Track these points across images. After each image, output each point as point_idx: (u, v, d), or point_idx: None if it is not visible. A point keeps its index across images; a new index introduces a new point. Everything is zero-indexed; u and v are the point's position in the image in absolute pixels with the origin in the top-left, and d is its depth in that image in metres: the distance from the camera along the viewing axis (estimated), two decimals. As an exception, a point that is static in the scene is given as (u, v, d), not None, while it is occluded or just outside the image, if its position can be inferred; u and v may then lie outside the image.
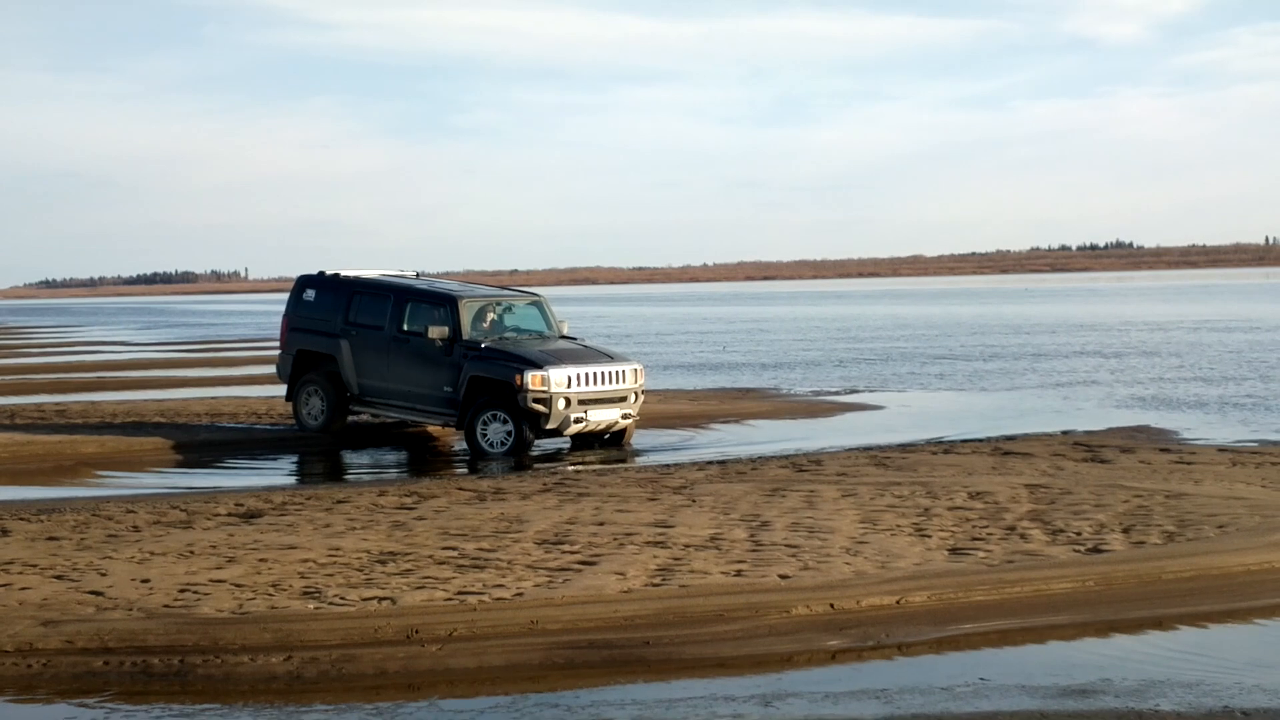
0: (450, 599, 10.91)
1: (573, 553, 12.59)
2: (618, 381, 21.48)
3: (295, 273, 24.98)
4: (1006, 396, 29.36)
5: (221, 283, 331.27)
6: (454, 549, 12.89)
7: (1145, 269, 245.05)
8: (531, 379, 20.75)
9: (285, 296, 24.51)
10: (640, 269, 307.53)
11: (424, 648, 9.86)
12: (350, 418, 23.50)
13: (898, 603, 10.90)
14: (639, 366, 22.02)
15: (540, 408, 20.79)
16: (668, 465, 19.25)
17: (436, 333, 21.62)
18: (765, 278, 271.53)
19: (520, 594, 11.04)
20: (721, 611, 10.59)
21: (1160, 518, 13.66)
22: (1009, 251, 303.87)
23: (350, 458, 22.15)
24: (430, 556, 12.56)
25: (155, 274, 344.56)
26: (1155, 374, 33.79)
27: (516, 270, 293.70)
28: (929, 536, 13.03)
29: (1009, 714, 8.20)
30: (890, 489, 15.86)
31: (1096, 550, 12.35)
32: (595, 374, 21.24)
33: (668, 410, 26.14)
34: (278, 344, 24.34)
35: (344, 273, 23.64)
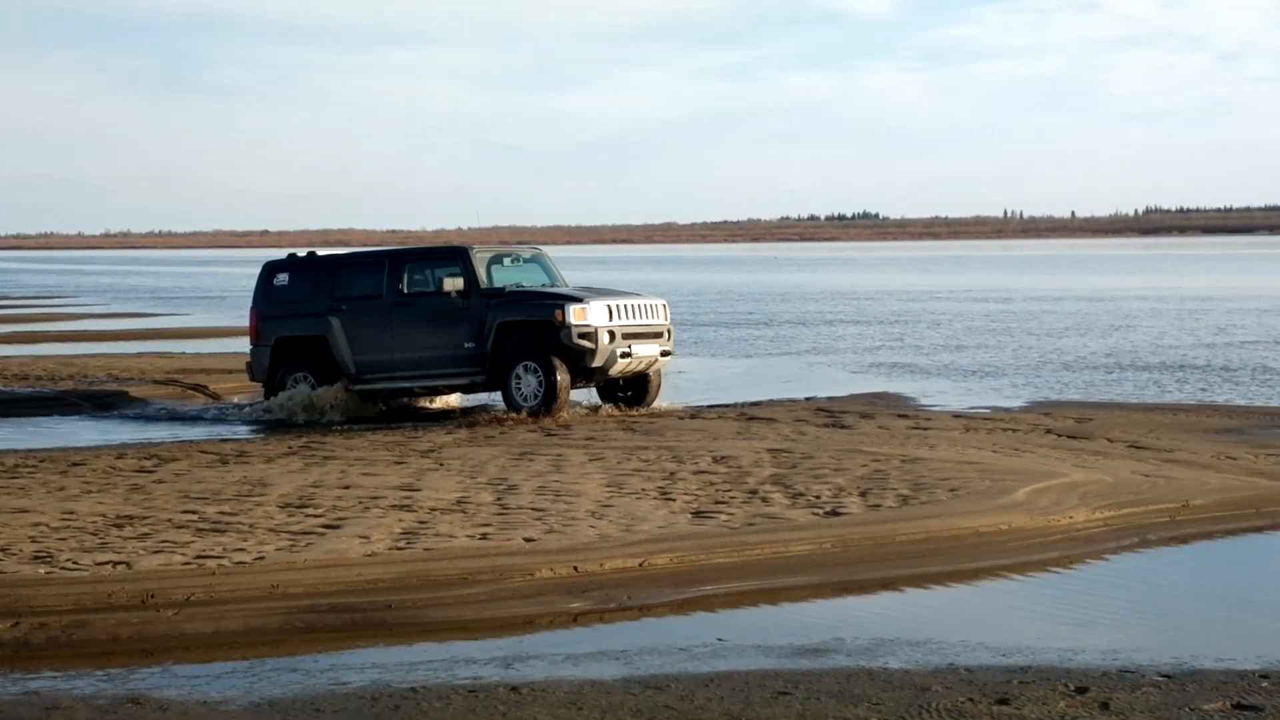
0: (188, 563, 10.71)
1: (316, 516, 12.45)
2: (653, 316, 20.46)
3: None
4: (755, 362, 29.85)
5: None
6: (194, 512, 12.65)
7: (890, 239, 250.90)
8: (574, 313, 19.46)
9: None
10: (394, 231, 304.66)
11: (159, 613, 9.66)
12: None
13: (640, 565, 11.02)
14: (665, 302, 21.07)
15: (586, 343, 19.49)
16: (416, 428, 19.17)
17: (452, 285, 20.17)
18: (519, 242, 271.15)
19: (261, 558, 10.89)
20: (465, 574, 10.59)
21: (896, 481, 14.03)
22: (760, 220, 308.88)
23: (113, 423, 21.51)
24: (169, 520, 12.31)
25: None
26: (898, 341, 34.69)
27: (267, 231, 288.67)
28: (673, 500, 13.19)
29: (744, 674, 8.36)
30: (637, 453, 16.01)
31: (834, 513, 12.63)
32: (632, 306, 20.18)
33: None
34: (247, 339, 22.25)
35: (320, 252, 22.36)
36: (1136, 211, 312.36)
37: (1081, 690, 7.90)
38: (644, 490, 13.68)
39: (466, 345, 20.19)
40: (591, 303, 19.71)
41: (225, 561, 10.76)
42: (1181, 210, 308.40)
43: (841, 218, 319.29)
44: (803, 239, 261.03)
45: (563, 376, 19.48)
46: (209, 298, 67.70)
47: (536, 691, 8.03)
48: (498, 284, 20.50)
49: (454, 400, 22.30)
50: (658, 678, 8.29)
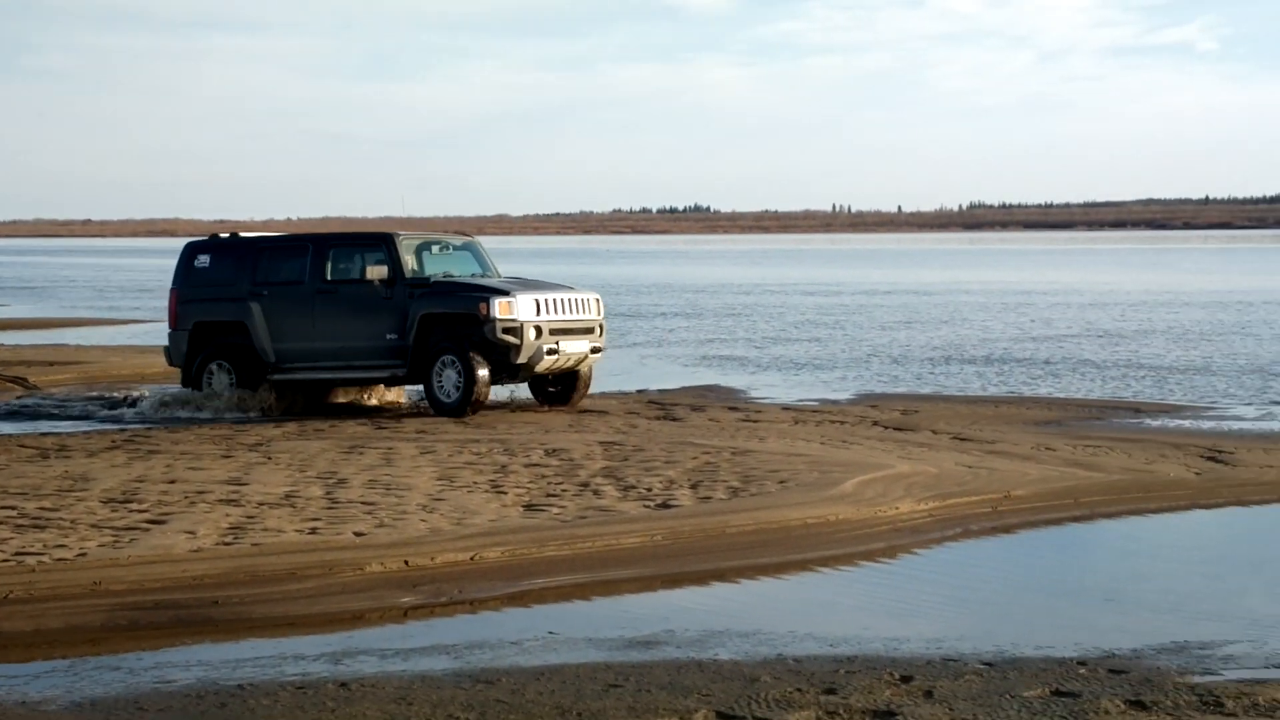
0: (7, 560, 10.46)
1: (141, 511, 12.23)
2: (583, 310, 19.56)
3: None
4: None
5: None
6: (13, 508, 12.35)
7: (721, 232, 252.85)
8: (499, 306, 18.61)
9: None
10: (222, 221, 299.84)
11: (-23, 612, 9.42)
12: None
13: (472, 559, 10.99)
14: (599, 297, 20.18)
15: (511, 339, 18.62)
16: (244, 422, 18.89)
17: (375, 273, 19.24)
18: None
19: (83, 554, 10.67)
20: (294, 569, 10.48)
21: (726, 474, 14.15)
22: (592, 213, 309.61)
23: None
24: (-13, 516, 12.00)
25: None
26: (730, 334, 34.97)
27: (90, 220, 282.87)
28: (505, 493, 13.17)
29: (575, 666, 8.38)
30: (468, 446, 15.96)
31: (666, 506, 12.70)
32: (561, 301, 19.29)
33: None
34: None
35: (243, 234, 21.18)
36: (961, 207, 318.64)
37: (906, 679, 8.05)
38: (475, 483, 13.64)
39: (389, 337, 19.33)
40: (518, 296, 18.91)
41: (46, 558, 10.53)
42: (1004, 206, 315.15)
43: (673, 210, 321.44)
44: (635, 231, 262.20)
45: (484, 372, 18.72)
46: (30, 288, 66.09)
47: (366, 687, 7.98)
48: (427, 273, 19.69)
49: (400, 397, 21.29)
50: (489, 672, 8.28)
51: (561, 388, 19.98)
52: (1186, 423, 18.77)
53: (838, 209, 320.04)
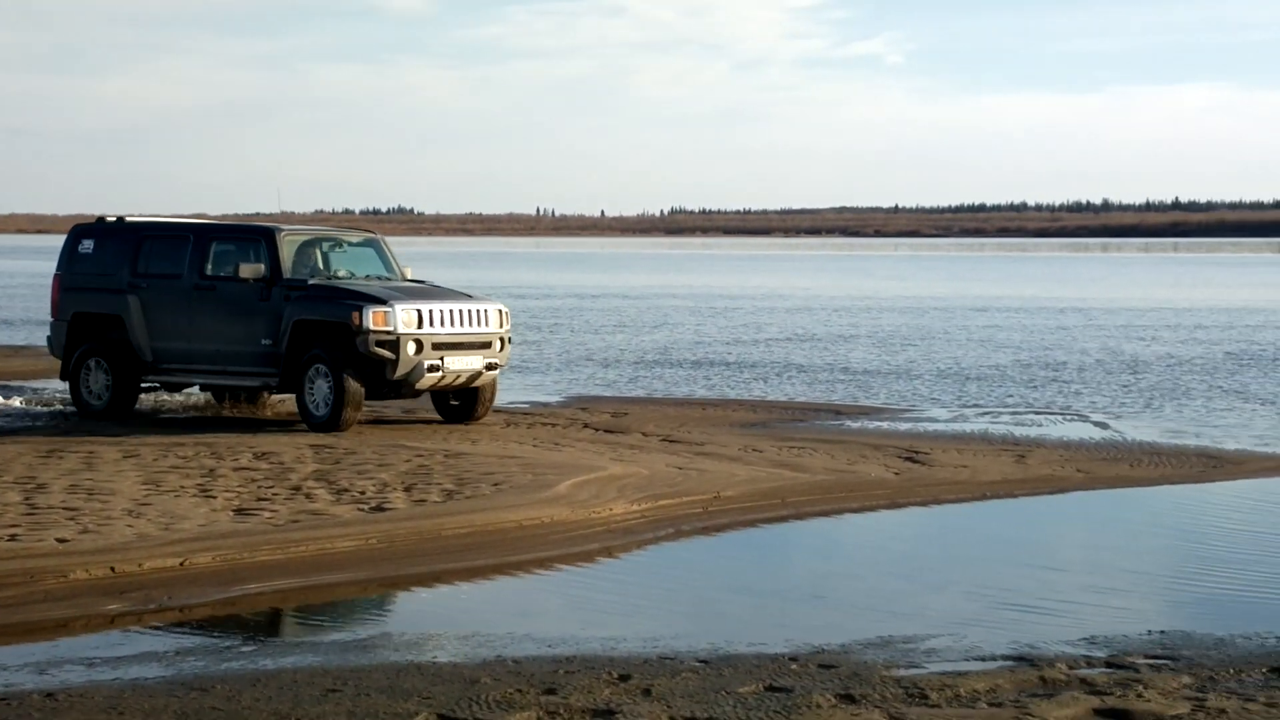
0: None
1: None
2: (479, 323, 17.77)
3: None
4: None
5: None
6: None
7: (425, 234, 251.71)
8: (374, 317, 16.89)
9: None
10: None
11: None
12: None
13: (181, 564, 10.76)
14: (504, 308, 18.39)
15: (385, 352, 16.93)
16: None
17: (250, 271, 17.58)
18: (39, 231, 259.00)
19: None
20: (-7, 578, 10.10)
21: (440, 476, 14.11)
22: (293, 213, 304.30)
23: None
24: None
25: None
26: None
27: None
28: (214, 497, 12.91)
29: (292, 672, 8.27)
30: (174, 450, 15.57)
31: (380, 509, 12.61)
32: (451, 312, 17.54)
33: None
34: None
35: (130, 218, 19.50)
36: (663, 212, 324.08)
37: (624, 678, 8.16)
38: (183, 488, 13.34)
39: (263, 342, 17.66)
40: (397, 306, 17.12)
41: None
42: (705, 212, 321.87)
43: (376, 212, 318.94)
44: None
45: (355, 387, 17.05)
46: None
47: (74, 697, 7.75)
48: (328, 271, 18.26)
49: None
50: (202, 679, 8.12)
51: (463, 403, 18.43)
52: (885, 424, 19.41)
53: (542, 212, 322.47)
